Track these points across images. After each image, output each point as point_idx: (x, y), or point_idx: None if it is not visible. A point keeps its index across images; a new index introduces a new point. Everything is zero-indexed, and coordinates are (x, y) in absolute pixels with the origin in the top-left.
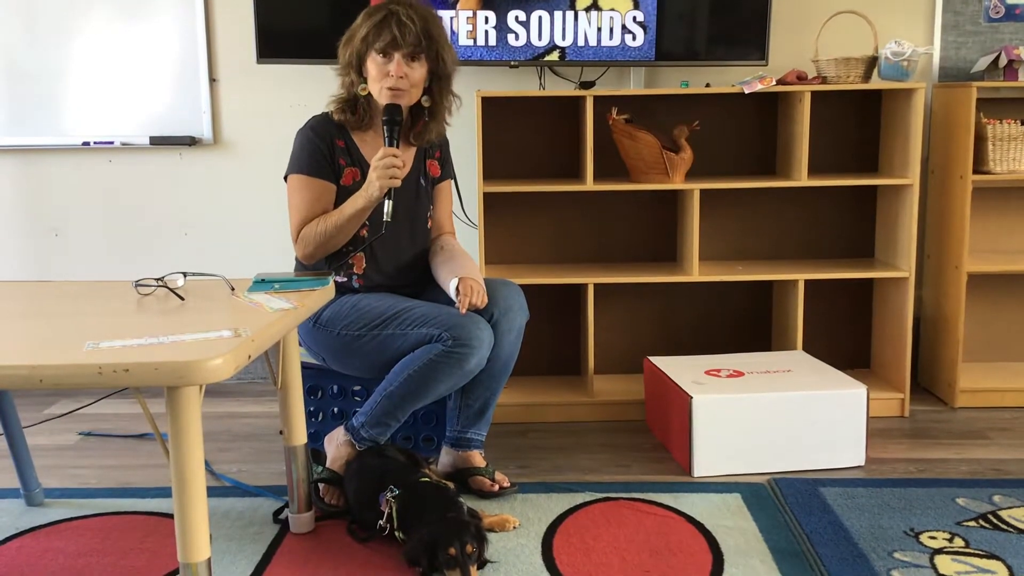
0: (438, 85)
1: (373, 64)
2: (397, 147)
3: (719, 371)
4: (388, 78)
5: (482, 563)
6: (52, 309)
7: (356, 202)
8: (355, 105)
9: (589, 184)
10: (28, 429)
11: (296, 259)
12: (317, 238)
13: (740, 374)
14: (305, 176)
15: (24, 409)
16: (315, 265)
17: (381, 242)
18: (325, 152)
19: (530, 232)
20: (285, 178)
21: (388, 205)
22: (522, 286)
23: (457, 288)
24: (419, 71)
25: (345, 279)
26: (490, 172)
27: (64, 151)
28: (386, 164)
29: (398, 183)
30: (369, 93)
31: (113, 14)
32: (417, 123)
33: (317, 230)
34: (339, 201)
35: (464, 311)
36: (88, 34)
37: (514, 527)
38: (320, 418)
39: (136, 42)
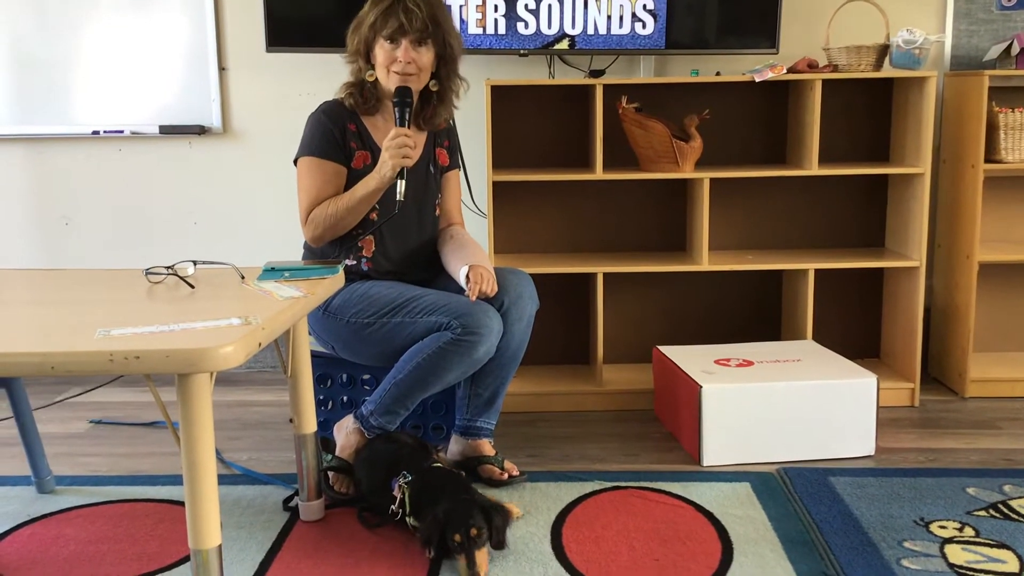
0: (445, 69)
1: (381, 50)
2: (409, 127)
3: (728, 360)
4: (396, 63)
5: (500, 543)
6: (62, 297)
7: (368, 183)
8: (363, 90)
9: (599, 173)
10: (39, 416)
11: (304, 247)
12: (327, 220)
13: (749, 363)
14: (316, 158)
15: (35, 397)
16: (323, 252)
17: (390, 227)
18: (337, 135)
19: (539, 221)
20: (295, 162)
21: (401, 185)
22: (531, 275)
23: (467, 276)
24: (426, 56)
25: (354, 262)
26: (500, 161)
27: (74, 140)
28: (398, 144)
29: (411, 162)
30: (376, 79)
31: (123, 3)
32: (426, 108)
33: (328, 212)
34: (349, 185)
35: (474, 299)
36: (98, 23)
37: (517, 517)
38: (329, 406)
39: (146, 31)
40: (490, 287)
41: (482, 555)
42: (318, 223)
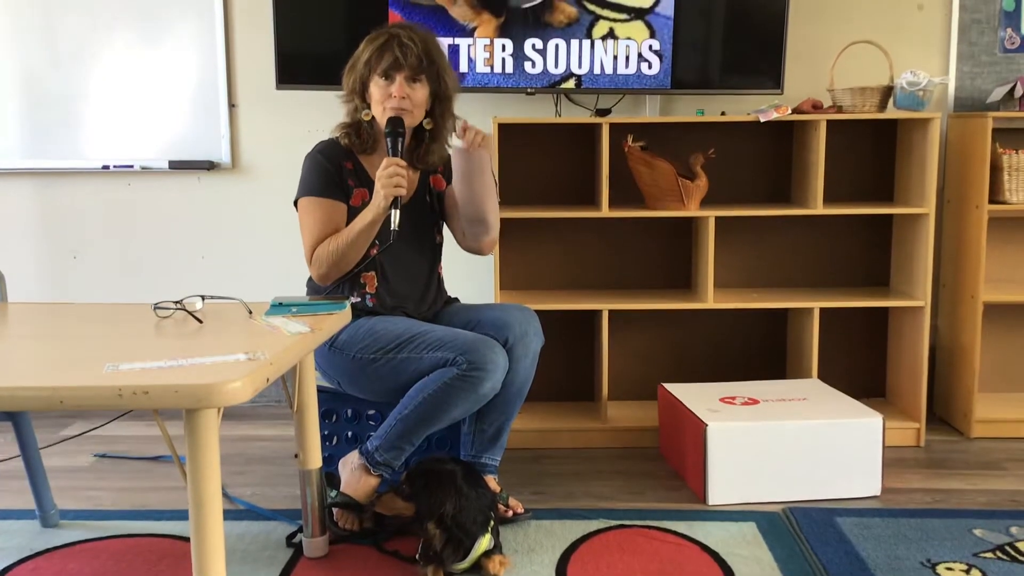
0: (440, 107)
1: (376, 87)
2: (401, 157)
3: (734, 399)
4: (391, 99)
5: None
6: (71, 331)
7: (364, 216)
8: (359, 130)
9: (604, 211)
10: (43, 450)
11: (307, 283)
12: (330, 257)
13: (755, 402)
14: (316, 198)
15: (39, 430)
16: (326, 288)
17: (391, 261)
18: (334, 173)
19: (545, 258)
20: (295, 203)
21: (395, 215)
22: (537, 312)
23: (463, 130)
24: (421, 92)
25: (359, 299)
26: (506, 198)
27: (84, 174)
28: (389, 174)
29: (403, 191)
30: (373, 118)
31: (134, 39)
32: (420, 146)
33: (329, 249)
34: (349, 222)
35: (470, 142)
36: (109, 59)
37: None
38: (334, 442)
39: (156, 67)
40: (483, 137)
41: (494, 563)
42: (322, 261)
